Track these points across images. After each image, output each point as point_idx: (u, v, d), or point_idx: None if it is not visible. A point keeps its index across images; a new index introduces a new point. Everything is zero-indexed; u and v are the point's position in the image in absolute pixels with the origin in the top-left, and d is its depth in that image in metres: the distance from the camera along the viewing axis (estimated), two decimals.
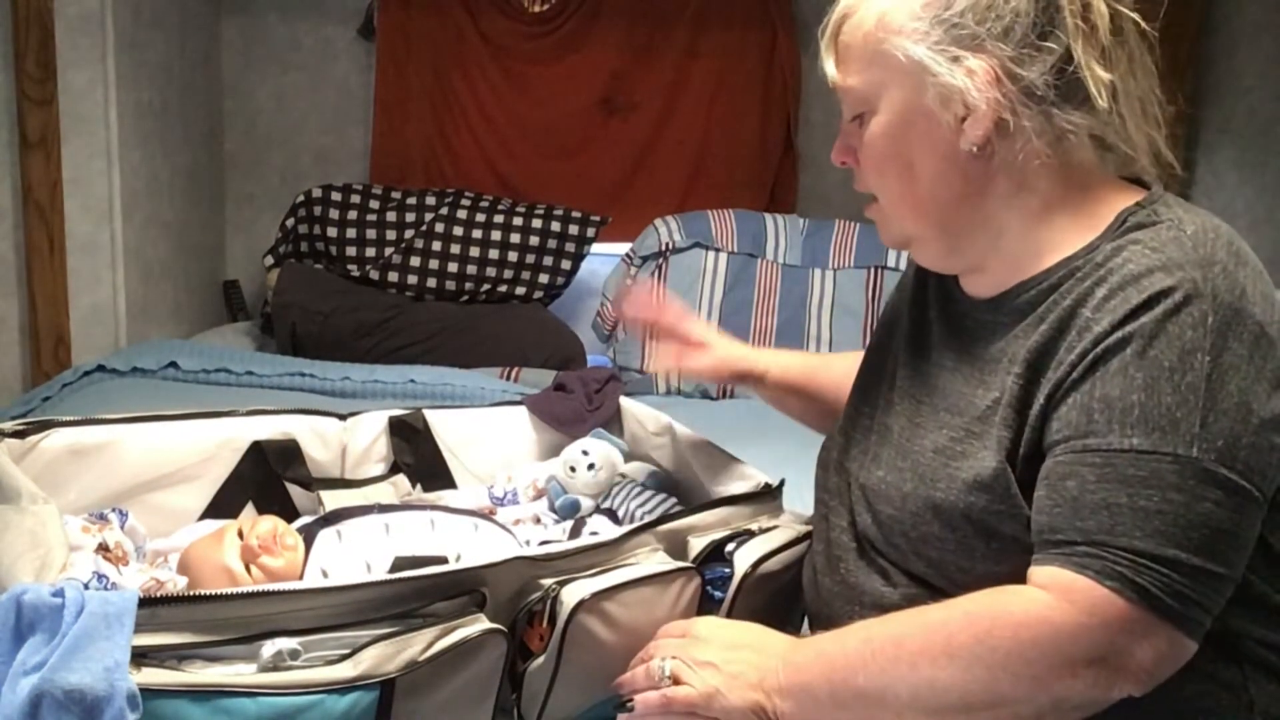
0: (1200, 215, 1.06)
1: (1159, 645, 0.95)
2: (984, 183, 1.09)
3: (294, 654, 0.99)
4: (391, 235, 3.26)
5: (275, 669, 0.98)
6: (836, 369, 1.45)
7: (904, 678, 1.00)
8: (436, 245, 3.24)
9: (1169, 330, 0.97)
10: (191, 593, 1.06)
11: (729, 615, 1.20)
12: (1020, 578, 1.00)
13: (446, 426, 1.62)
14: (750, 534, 1.24)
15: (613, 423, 1.67)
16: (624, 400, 1.69)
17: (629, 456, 1.60)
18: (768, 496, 1.33)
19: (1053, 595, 0.96)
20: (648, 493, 1.48)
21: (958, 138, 1.08)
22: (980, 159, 1.08)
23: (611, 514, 1.46)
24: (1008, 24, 1.05)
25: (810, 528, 1.28)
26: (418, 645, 1.02)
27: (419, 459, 1.59)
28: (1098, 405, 0.98)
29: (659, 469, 1.57)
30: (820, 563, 1.21)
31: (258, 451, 1.48)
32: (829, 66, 1.16)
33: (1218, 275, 0.98)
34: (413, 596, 1.05)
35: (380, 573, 1.11)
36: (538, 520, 1.51)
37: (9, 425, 1.34)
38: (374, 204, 3.29)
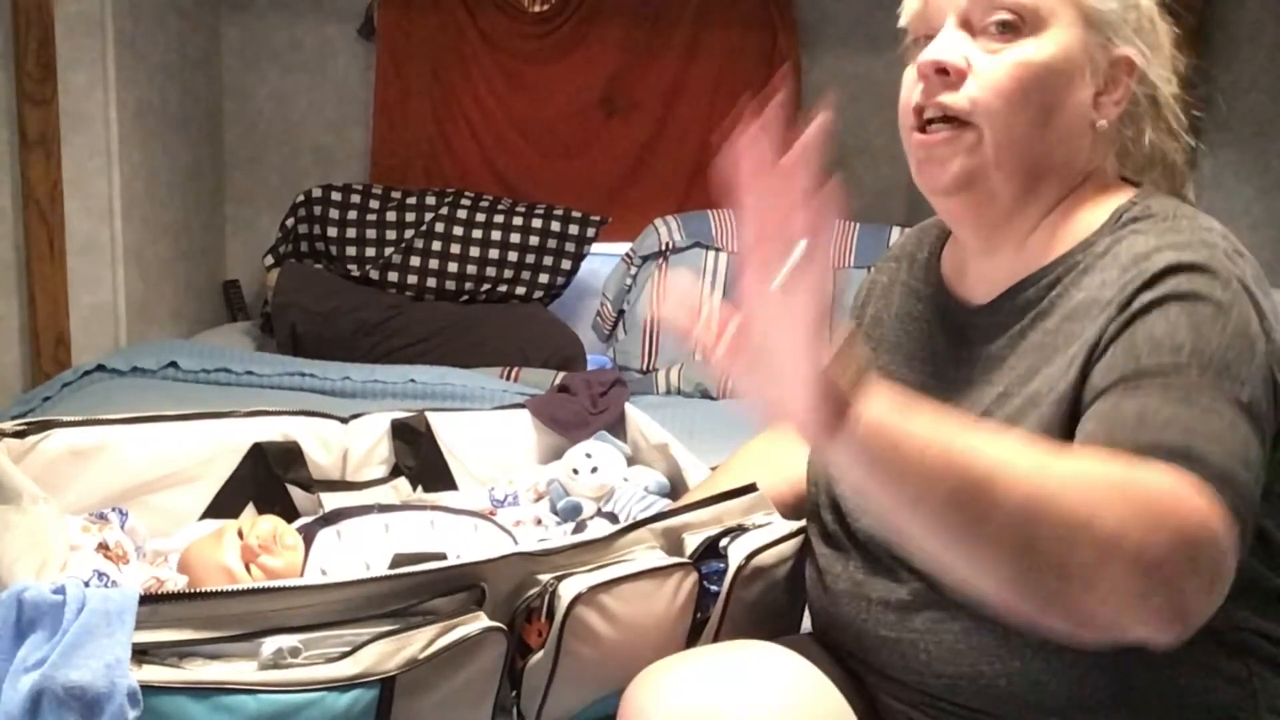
0: (1192, 211, 1.06)
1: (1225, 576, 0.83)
2: (1078, 162, 1.10)
3: (294, 651, 0.99)
4: (391, 235, 3.26)
5: (275, 666, 0.98)
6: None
7: (1021, 453, 0.83)
8: (436, 245, 3.24)
9: (1197, 288, 0.95)
10: (192, 589, 1.06)
11: (724, 609, 1.20)
12: None
13: (449, 429, 1.62)
14: (743, 529, 1.24)
15: (617, 427, 1.67)
16: (629, 408, 1.68)
17: (631, 461, 1.60)
18: (753, 492, 1.31)
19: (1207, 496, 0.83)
20: (650, 497, 1.48)
21: (1091, 109, 1.08)
22: (1096, 139, 1.09)
23: (613, 517, 1.45)
24: (1148, 26, 1.09)
25: (804, 523, 1.28)
26: (418, 643, 1.02)
27: (421, 462, 1.59)
28: (1144, 346, 0.94)
29: (663, 476, 1.57)
30: (824, 565, 1.21)
31: (258, 453, 1.48)
32: None
33: (1220, 256, 0.99)
34: (411, 592, 1.05)
35: (380, 571, 1.11)
36: (539, 522, 1.51)
37: (9, 425, 1.34)
38: (374, 204, 3.29)
